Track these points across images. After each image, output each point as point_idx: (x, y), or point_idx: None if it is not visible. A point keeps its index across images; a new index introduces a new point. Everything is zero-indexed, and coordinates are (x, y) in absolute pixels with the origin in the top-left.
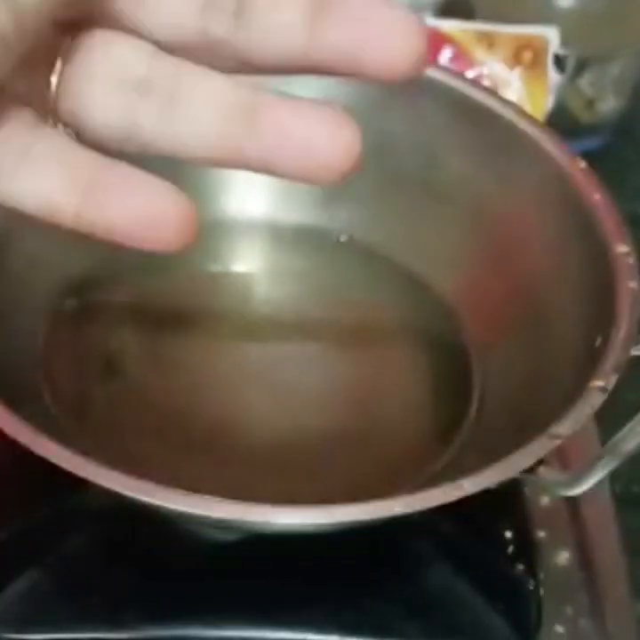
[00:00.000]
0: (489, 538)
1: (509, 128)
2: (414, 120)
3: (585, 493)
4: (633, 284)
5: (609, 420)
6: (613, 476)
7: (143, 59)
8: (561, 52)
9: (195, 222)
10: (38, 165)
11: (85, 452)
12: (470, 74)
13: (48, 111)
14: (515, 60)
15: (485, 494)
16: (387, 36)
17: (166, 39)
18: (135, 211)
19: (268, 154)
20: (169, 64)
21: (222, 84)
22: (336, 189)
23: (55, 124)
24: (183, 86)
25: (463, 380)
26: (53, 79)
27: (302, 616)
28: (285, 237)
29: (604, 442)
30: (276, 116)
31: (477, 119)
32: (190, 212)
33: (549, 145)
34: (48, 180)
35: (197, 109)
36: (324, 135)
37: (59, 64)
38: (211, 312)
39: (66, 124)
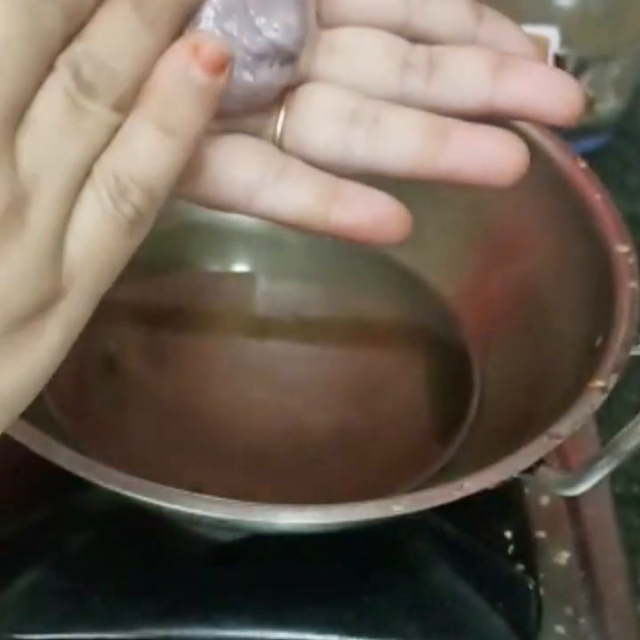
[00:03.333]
0: (489, 538)
1: (509, 128)
2: None
3: (585, 493)
4: (633, 284)
5: (609, 419)
6: (613, 476)
7: (353, 98)
8: (561, 52)
9: (410, 224)
10: (296, 181)
11: (85, 452)
12: None
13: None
14: None
15: (485, 494)
16: (557, 87)
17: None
18: (374, 214)
19: (458, 165)
20: (372, 101)
21: (416, 112)
22: None
23: None
24: (385, 115)
25: (463, 380)
26: (279, 119)
27: (302, 616)
28: (285, 237)
29: (604, 442)
30: (463, 134)
31: (477, 119)
32: (407, 216)
33: (549, 145)
34: (305, 192)
35: (399, 131)
36: (502, 149)
37: (282, 109)
38: (211, 312)
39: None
